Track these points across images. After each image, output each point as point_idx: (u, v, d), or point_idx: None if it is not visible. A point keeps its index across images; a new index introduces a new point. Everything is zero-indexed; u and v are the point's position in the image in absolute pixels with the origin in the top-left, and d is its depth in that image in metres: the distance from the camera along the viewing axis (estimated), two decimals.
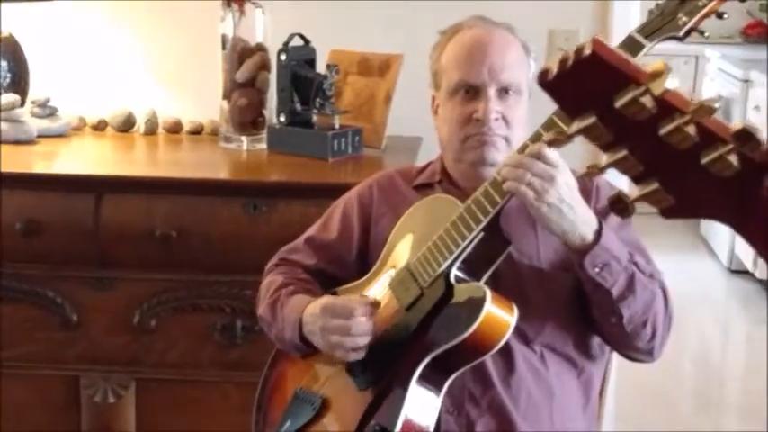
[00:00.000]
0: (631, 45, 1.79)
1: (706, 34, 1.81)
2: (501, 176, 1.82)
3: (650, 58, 1.71)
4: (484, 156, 1.97)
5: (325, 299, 1.99)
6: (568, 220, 1.80)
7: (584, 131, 0.83)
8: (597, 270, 1.83)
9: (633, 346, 1.94)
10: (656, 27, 1.79)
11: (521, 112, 1.99)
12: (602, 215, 1.99)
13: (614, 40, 2.16)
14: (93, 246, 2.69)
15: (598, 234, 1.83)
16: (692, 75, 6.92)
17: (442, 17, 2.16)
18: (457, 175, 2.06)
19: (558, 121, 1.82)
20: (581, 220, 1.82)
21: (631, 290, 1.85)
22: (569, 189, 1.80)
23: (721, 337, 5.30)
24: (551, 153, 1.79)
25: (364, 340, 1.89)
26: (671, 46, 1.85)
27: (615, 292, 1.84)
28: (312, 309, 1.97)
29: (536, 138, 1.85)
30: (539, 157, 1.78)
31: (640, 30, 1.81)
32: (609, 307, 1.88)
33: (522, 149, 1.84)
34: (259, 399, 2.18)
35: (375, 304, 1.94)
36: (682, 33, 1.78)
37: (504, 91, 1.97)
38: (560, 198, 1.78)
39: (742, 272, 5.69)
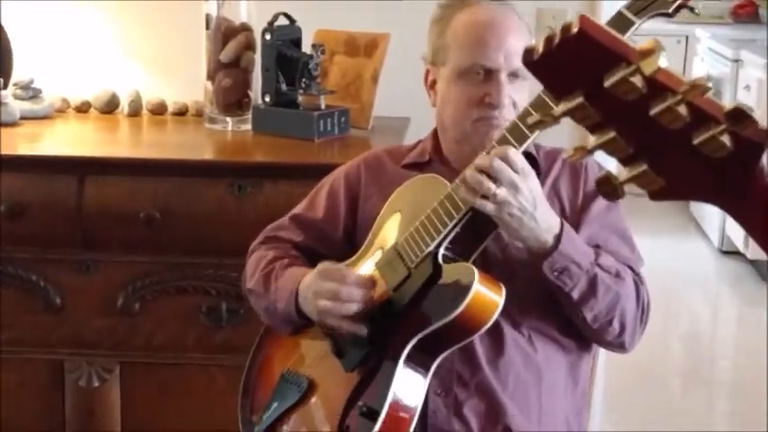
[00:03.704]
0: (620, 22, 1.77)
1: (696, 11, 1.79)
2: (464, 179, 1.81)
3: (641, 37, 1.69)
4: (492, 138, 1.94)
5: (322, 264, 1.96)
6: (528, 228, 1.81)
7: (571, 112, 0.81)
8: (556, 274, 1.84)
9: (603, 339, 1.97)
10: (646, 3, 1.78)
11: (525, 95, 1.96)
12: (590, 197, 1.98)
13: (603, 18, 2.14)
14: (76, 228, 2.67)
15: (558, 239, 1.83)
16: (682, 54, 6.91)
17: None
18: (454, 155, 2.03)
19: (547, 99, 1.80)
20: (543, 227, 1.83)
21: (593, 293, 1.86)
22: (532, 196, 1.80)
23: (712, 318, 5.31)
24: (517, 158, 1.79)
25: (354, 307, 1.86)
26: (662, 26, 1.84)
27: (575, 295, 1.86)
28: (309, 276, 1.95)
29: (525, 114, 1.83)
30: (504, 160, 1.77)
31: (629, 6, 1.79)
32: (571, 308, 1.89)
33: (501, 141, 1.83)
34: (245, 381, 2.16)
35: (371, 279, 1.92)
36: (671, 10, 1.76)
37: (514, 75, 1.94)
38: (521, 208, 1.79)
39: (733, 252, 5.69)
